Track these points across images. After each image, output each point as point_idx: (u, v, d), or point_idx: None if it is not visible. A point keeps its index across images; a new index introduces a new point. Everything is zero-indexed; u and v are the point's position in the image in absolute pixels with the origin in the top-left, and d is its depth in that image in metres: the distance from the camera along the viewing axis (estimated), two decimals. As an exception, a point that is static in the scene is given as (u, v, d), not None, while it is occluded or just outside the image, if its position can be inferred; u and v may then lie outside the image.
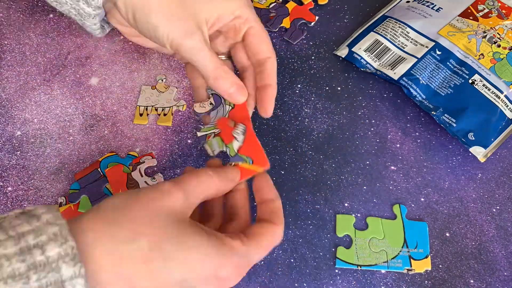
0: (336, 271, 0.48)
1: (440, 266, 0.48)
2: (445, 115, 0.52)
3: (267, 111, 0.41)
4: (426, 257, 0.47)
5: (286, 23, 0.61)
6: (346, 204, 0.51)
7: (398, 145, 0.54)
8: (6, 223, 0.26)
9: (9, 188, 0.53)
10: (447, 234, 0.49)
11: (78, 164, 0.54)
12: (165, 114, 0.56)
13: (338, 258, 0.48)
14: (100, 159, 0.54)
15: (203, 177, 0.34)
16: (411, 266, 0.47)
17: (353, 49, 0.58)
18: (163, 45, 0.39)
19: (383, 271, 0.47)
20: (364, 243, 0.48)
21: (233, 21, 0.40)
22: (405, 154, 0.53)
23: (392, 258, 0.47)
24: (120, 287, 0.29)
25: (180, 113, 0.56)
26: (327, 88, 0.57)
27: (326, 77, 0.58)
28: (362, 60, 0.57)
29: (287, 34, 0.60)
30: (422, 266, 0.47)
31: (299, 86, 0.58)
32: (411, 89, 0.54)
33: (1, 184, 0.53)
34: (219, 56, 0.42)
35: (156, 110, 0.57)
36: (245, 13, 0.40)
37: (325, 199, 0.51)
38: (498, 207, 0.50)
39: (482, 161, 0.51)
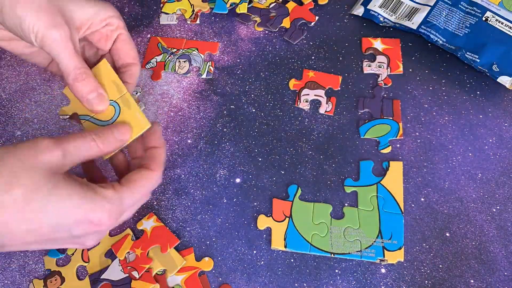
0: (336, 271, 0.48)
1: (440, 266, 0.48)
2: (468, 53, 0.55)
3: None
4: (400, 248, 0.48)
5: (286, 23, 0.61)
6: (346, 204, 0.51)
7: (398, 145, 0.53)
8: None
9: (9, 188, 0.53)
10: (447, 234, 0.49)
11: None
12: None
13: (313, 245, 0.48)
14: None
15: (85, 142, 0.36)
16: (384, 257, 0.47)
17: (368, 7, 0.60)
18: (29, 40, 0.38)
19: (383, 270, 0.47)
20: (339, 231, 0.49)
21: (104, 28, 0.42)
22: (405, 154, 0.53)
23: (366, 248, 0.48)
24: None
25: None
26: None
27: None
28: (379, 16, 0.59)
29: (287, 34, 0.60)
30: (395, 257, 0.47)
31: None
32: (430, 35, 0.57)
33: (1, 184, 0.53)
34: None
35: None
36: (116, 21, 0.42)
37: (325, 199, 0.51)
38: (498, 207, 0.50)
39: (510, 89, 0.54)
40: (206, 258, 0.49)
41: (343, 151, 0.54)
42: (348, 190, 0.51)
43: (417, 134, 0.54)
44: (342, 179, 0.52)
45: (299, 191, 0.51)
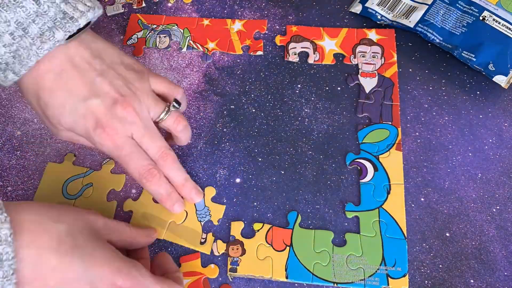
0: (336, 271, 0.48)
1: (440, 266, 0.48)
2: (464, 52, 0.55)
3: None
4: (404, 275, 0.46)
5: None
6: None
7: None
8: None
9: (9, 188, 0.53)
10: (447, 234, 0.49)
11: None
12: None
13: (315, 275, 0.46)
14: None
15: (122, 225, 0.43)
16: (388, 285, 0.46)
17: (366, 5, 0.61)
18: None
19: (383, 271, 0.47)
20: (341, 260, 0.47)
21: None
22: (406, 154, 0.53)
23: (369, 276, 0.46)
24: (31, 256, 0.33)
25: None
26: (327, 88, 0.57)
27: (326, 77, 0.58)
28: (377, 14, 0.60)
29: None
30: (400, 285, 0.46)
31: (299, 86, 0.58)
32: (428, 34, 0.57)
33: (1, 184, 0.53)
34: None
35: None
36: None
37: (325, 199, 0.51)
38: (498, 207, 0.50)
39: (506, 88, 0.54)
40: (212, 265, 0.48)
41: (343, 151, 0.54)
42: (350, 215, 0.50)
43: (417, 134, 0.54)
44: (342, 179, 0.52)
45: (299, 218, 0.50)
